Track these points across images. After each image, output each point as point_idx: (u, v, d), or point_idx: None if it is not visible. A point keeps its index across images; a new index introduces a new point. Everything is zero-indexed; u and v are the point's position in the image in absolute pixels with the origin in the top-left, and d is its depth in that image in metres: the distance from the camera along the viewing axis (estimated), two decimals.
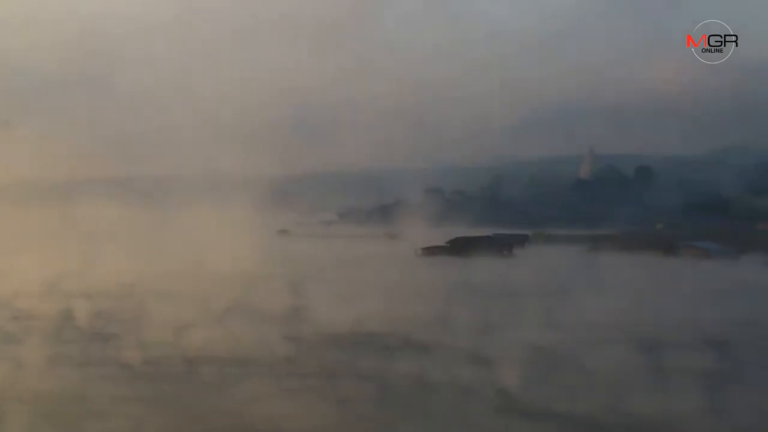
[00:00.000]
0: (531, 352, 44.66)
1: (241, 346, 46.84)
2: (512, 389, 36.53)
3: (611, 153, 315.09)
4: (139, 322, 55.47)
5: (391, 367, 41.75)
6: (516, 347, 44.83)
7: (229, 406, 35.10)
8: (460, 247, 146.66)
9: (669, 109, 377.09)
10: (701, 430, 31.23)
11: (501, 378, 38.05)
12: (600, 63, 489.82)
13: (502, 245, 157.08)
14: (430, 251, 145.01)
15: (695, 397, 34.84)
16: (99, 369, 42.50)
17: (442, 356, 44.45)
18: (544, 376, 39.48)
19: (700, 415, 32.56)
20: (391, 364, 42.59)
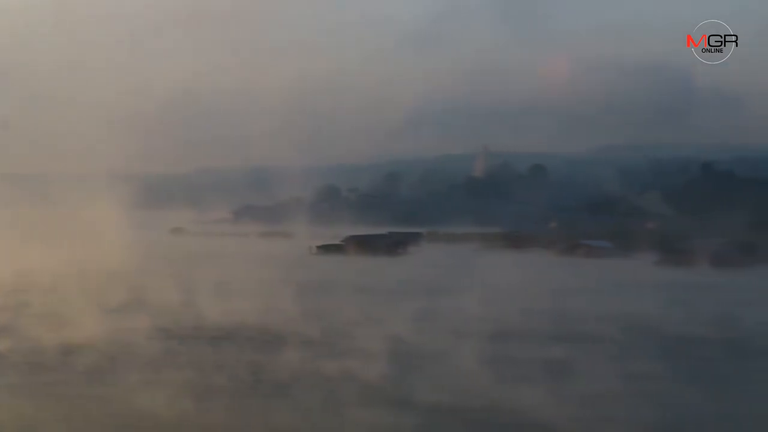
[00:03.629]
0: (401, 347, 46.69)
1: (123, 338, 48.11)
2: (380, 381, 38.32)
3: (505, 151, 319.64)
4: (25, 316, 56.38)
5: (266, 361, 43.40)
6: (387, 342, 46.73)
7: (106, 395, 36.38)
8: (354, 245, 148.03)
9: (561, 107, 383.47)
10: (553, 418, 33.30)
11: (369, 370, 39.84)
12: (493, 60, 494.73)
13: (396, 243, 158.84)
14: (325, 249, 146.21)
15: (547, 386, 37.20)
16: None
17: (315, 350, 46.09)
18: (411, 369, 41.36)
19: (551, 403, 34.79)
20: (266, 357, 44.24)
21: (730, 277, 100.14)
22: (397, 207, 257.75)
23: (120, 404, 34.49)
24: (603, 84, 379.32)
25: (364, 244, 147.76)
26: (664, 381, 39.98)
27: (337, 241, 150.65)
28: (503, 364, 42.36)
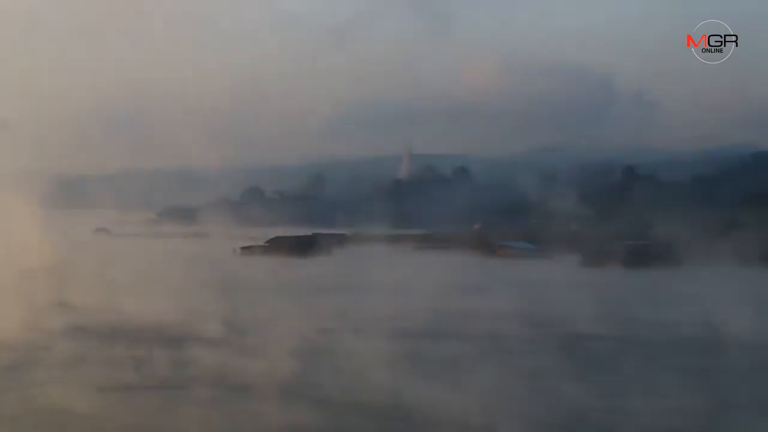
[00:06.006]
0: (309, 345, 47.93)
1: (38, 337, 48.76)
2: (288, 380, 39.55)
3: (429, 153, 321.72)
4: None
5: (179, 358, 44.41)
6: (297, 340, 47.99)
7: (15, 389, 37.23)
8: (278, 246, 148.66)
9: (484, 110, 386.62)
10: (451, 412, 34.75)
11: (277, 369, 40.99)
12: (418, 62, 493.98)
13: (320, 244, 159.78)
14: (249, 250, 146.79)
15: (448, 382, 38.79)
16: None
17: (227, 348, 47.43)
18: (320, 367, 42.65)
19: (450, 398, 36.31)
20: (179, 355, 45.23)
21: (648, 277, 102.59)
22: (322, 208, 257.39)
23: (33, 401, 35.23)
24: (527, 87, 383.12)
25: (289, 246, 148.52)
26: (558, 377, 41.65)
27: (261, 243, 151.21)
28: (409, 361, 43.87)
